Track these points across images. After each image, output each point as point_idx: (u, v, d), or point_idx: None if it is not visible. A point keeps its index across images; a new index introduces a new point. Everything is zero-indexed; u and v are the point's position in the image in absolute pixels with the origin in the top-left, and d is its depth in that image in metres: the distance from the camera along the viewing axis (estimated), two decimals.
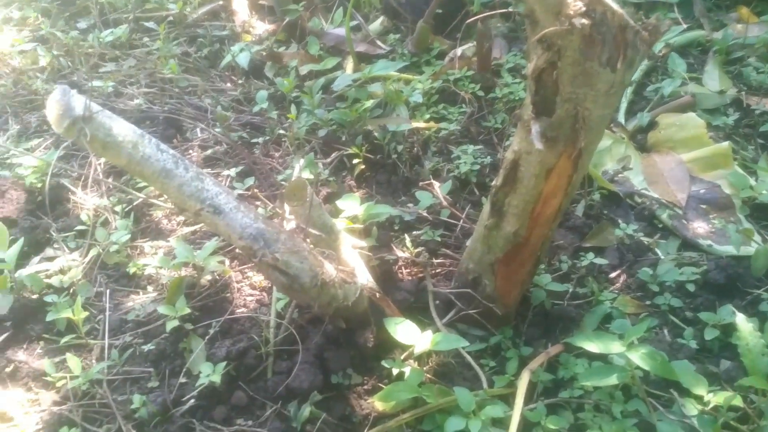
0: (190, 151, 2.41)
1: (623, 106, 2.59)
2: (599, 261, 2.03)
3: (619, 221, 2.21)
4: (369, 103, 2.35)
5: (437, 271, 2.00)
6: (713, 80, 2.72)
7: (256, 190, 2.11)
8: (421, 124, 2.46)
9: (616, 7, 1.29)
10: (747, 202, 2.20)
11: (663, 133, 2.50)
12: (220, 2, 3.21)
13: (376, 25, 2.96)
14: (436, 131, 2.47)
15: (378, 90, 2.56)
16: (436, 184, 2.04)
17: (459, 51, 2.86)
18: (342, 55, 2.81)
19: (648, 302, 1.93)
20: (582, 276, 2.02)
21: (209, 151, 2.37)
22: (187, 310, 1.79)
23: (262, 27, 3.03)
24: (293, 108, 2.46)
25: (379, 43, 2.87)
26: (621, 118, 2.56)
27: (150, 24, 3.03)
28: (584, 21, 1.23)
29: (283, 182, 2.21)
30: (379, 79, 2.58)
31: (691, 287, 1.93)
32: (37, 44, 2.99)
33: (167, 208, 2.11)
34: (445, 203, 2.01)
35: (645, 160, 2.43)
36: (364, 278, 1.67)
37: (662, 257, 2.10)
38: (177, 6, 3.09)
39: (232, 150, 2.35)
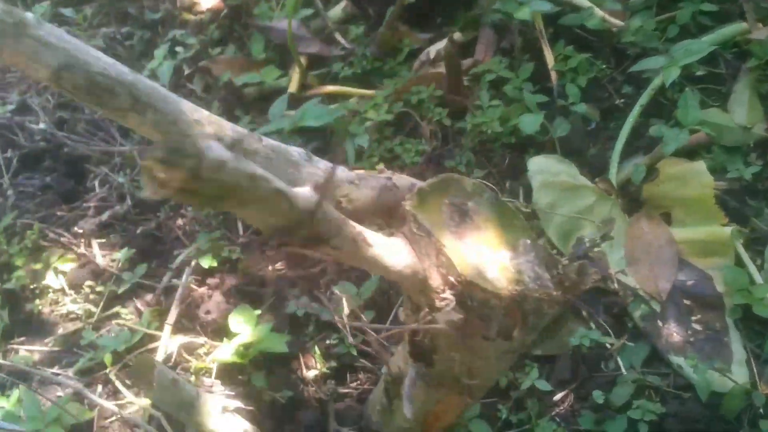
0: (81, 223, 2.02)
1: (617, 149, 2.06)
2: (541, 385, 1.71)
3: (584, 314, 1.86)
4: None
5: (349, 391, 1.75)
6: (740, 107, 2.12)
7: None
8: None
9: (506, 283, 0.90)
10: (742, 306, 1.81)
11: (661, 187, 1.97)
12: None
13: (338, 11, 2.44)
14: None
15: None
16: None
17: (432, 51, 2.35)
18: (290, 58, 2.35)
19: None
20: (521, 397, 1.74)
21: (106, 215, 2.02)
22: None
23: (208, 3, 2.54)
24: None
25: (338, 37, 2.37)
26: (613, 166, 2.04)
27: None
28: (456, 317, 0.87)
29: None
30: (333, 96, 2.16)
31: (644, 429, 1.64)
32: None
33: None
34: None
35: (632, 227, 1.96)
36: None
37: (624, 372, 1.76)
38: None
39: (134, 212, 2.02)
